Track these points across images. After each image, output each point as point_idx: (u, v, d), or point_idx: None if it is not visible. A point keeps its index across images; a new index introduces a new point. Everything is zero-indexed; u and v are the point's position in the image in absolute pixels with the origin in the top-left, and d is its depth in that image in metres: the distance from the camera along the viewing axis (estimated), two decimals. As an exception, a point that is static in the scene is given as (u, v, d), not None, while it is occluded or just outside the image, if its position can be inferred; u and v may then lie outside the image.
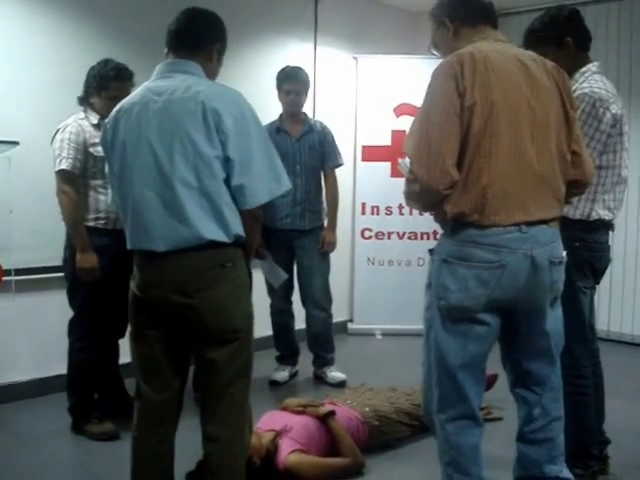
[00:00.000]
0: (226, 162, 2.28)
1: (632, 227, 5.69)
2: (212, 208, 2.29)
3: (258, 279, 4.29)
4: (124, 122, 2.37)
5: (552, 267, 2.29)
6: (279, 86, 4.48)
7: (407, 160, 2.32)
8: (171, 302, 2.32)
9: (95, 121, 3.59)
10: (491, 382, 3.60)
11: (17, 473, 3.29)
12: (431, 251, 2.38)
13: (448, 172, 2.17)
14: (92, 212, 3.61)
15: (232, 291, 2.37)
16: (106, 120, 2.50)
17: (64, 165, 3.50)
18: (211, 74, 2.48)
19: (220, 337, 2.35)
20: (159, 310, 2.37)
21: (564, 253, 2.37)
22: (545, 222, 2.28)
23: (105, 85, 3.57)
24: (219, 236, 2.30)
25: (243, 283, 2.43)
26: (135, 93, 2.43)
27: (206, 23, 2.49)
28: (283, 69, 4.52)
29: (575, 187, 2.42)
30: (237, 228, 2.34)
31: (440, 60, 2.31)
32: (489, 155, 2.19)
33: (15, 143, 3.57)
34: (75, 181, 3.55)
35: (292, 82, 4.44)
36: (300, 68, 4.55)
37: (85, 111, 3.66)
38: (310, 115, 4.93)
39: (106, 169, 2.53)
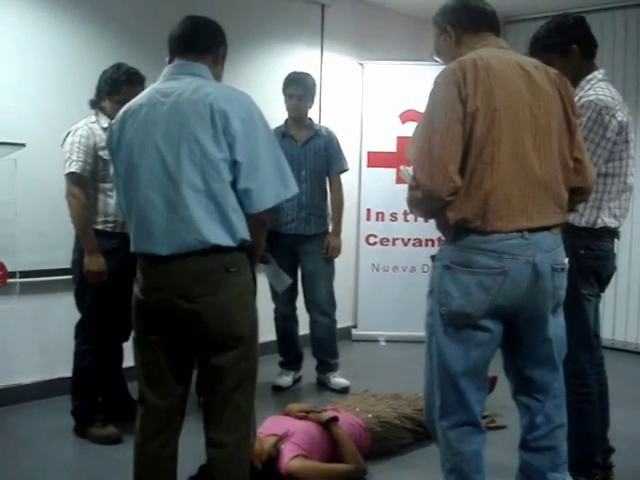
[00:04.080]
0: (233, 165, 2.26)
1: (637, 235, 5.67)
2: (218, 211, 2.26)
3: (262, 284, 4.28)
4: (131, 123, 2.36)
5: (554, 274, 2.29)
6: (284, 91, 4.50)
7: (409, 168, 2.32)
8: (175, 307, 2.30)
9: (105, 125, 3.60)
10: (492, 384, 3.58)
11: (19, 475, 3.29)
12: (433, 257, 2.37)
13: (451, 178, 2.17)
14: (101, 215, 3.62)
15: (237, 296, 2.34)
16: (112, 121, 2.49)
17: (74, 168, 3.52)
18: (217, 77, 2.47)
19: (224, 343, 2.33)
20: (162, 315, 2.35)
21: (566, 260, 2.36)
22: (547, 228, 2.28)
23: (116, 89, 3.59)
24: (224, 240, 2.28)
25: (248, 288, 2.40)
26: (142, 95, 2.42)
27: (211, 27, 2.50)
28: (289, 74, 4.54)
29: (577, 194, 2.41)
30: (243, 232, 2.32)
31: (444, 67, 2.32)
32: (491, 161, 2.18)
33: (21, 145, 3.57)
34: (84, 184, 3.56)
35: (295, 86, 4.46)
36: (306, 74, 4.57)
37: (96, 114, 3.68)
38: (316, 120, 4.94)
39: (110, 171, 2.53)
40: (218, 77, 2.50)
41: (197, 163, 2.24)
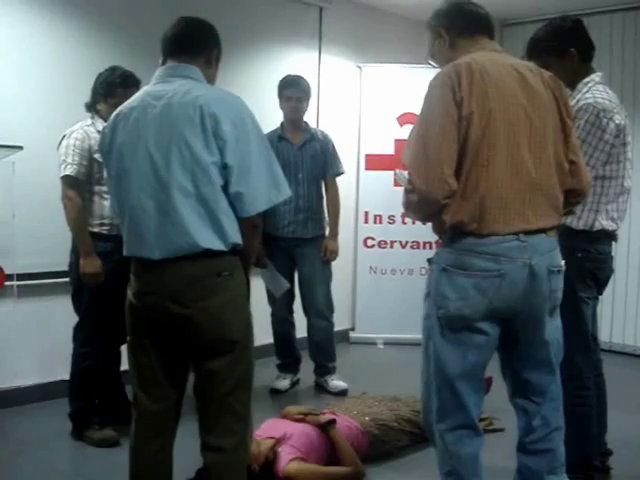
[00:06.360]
0: (224, 169, 2.24)
1: (635, 238, 5.68)
2: (209, 216, 2.24)
3: (259, 287, 4.28)
4: (122, 127, 2.34)
5: (551, 276, 2.29)
6: (280, 94, 4.50)
7: (404, 172, 2.32)
8: (167, 311, 2.29)
9: (101, 127, 3.58)
10: (487, 385, 3.58)
11: (17, 478, 3.28)
12: (430, 260, 2.38)
13: (446, 182, 2.18)
14: (97, 218, 3.62)
15: (229, 301, 2.32)
16: (104, 125, 2.48)
17: (69, 171, 3.52)
18: (210, 79, 2.45)
19: (218, 347, 2.32)
20: (155, 319, 2.34)
21: (563, 262, 2.37)
22: (544, 231, 2.28)
23: (111, 92, 3.59)
24: (215, 244, 2.25)
25: (241, 292, 2.38)
26: (134, 98, 2.40)
27: (204, 29, 2.47)
28: (284, 77, 4.55)
29: (573, 196, 2.41)
30: (234, 236, 2.29)
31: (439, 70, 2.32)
32: (487, 164, 2.19)
33: (19, 147, 3.57)
34: (80, 187, 3.56)
35: (293, 89, 4.46)
36: (301, 76, 4.58)
37: (92, 117, 3.68)
38: (314, 124, 4.95)
39: (104, 174, 2.52)
40: (211, 79, 2.48)
41: (187, 167, 2.23)
